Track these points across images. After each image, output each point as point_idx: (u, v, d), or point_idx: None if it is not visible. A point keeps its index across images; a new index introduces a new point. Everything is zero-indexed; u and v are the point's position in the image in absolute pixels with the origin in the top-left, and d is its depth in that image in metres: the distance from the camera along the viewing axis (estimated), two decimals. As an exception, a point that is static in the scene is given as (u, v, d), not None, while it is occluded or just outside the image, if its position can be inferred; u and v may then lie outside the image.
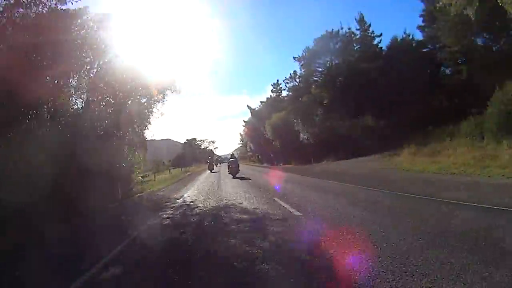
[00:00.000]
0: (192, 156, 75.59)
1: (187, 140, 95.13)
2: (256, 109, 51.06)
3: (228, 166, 18.81)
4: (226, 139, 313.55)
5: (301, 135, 28.33)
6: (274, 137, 34.85)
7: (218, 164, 46.24)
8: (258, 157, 54.61)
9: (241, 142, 73.46)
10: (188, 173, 32.14)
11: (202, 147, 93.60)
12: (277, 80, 48.42)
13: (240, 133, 70.91)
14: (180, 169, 42.01)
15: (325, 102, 26.51)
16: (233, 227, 4.82)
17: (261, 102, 52.19)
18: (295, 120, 29.57)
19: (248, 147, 62.81)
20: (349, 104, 23.09)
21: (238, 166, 18.21)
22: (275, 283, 2.58)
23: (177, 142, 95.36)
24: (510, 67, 13.24)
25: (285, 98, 44.38)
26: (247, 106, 55.60)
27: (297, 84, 35.26)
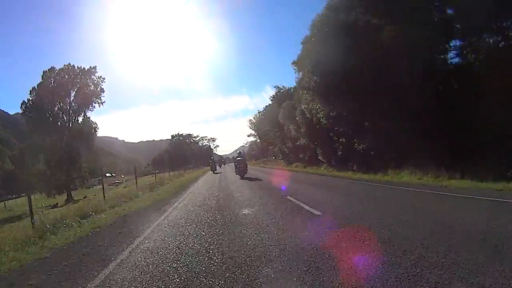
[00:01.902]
0: (184, 156, 66.60)
1: (177, 135, 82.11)
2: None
3: (235, 165, 17.58)
4: (226, 140, 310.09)
5: None
6: None
7: (222, 165, 40.78)
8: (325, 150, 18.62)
9: (254, 132, 57.34)
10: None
11: (200, 144, 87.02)
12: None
13: (250, 120, 58.84)
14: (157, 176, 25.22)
15: None
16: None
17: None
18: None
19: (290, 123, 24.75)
20: None
21: (246, 166, 17.12)
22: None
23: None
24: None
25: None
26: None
27: None
